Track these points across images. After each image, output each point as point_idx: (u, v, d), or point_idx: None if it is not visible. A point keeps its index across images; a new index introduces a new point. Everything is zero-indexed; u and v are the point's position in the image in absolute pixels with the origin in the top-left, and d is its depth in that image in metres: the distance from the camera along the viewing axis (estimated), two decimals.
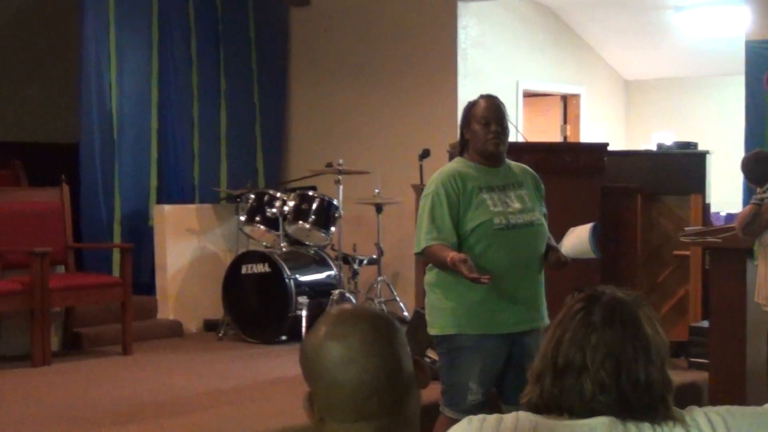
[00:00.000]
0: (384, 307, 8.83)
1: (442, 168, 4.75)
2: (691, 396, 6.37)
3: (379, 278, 8.91)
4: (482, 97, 4.76)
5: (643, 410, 2.19)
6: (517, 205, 4.63)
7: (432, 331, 4.72)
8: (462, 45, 9.89)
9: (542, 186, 4.87)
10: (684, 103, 12.13)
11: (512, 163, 4.82)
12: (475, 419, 2.27)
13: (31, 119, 11.58)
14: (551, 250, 4.73)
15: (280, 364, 7.65)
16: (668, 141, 10.25)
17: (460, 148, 4.77)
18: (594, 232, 4.66)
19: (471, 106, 4.72)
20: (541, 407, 2.24)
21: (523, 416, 2.24)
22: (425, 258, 4.71)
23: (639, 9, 11.04)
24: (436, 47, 9.94)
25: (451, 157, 4.91)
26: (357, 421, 2.05)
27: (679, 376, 6.72)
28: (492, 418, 2.26)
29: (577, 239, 4.68)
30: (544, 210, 4.81)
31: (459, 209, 4.54)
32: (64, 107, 10.79)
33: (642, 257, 7.61)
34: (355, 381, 2.03)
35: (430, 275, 4.72)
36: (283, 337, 8.47)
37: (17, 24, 11.50)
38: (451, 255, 4.38)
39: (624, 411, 2.18)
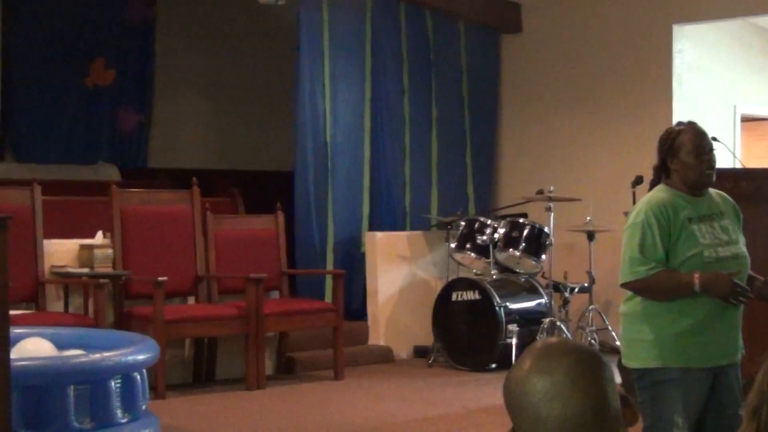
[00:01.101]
0: (596, 336, 8.71)
1: (650, 196, 4.60)
2: None
3: (590, 307, 8.80)
4: (688, 124, 4.61)
5: None
6: (723, 237, 4.47)
7: (632, 364, 4.56)
8: (677, 69, 9.69)
9: (741, 214, 4.69)
10: None
11: (712, 191, 4.66)
12: None
13: (249, 149, 11.97)
14: (754, 279, 4.55)
15: (489, 392, 7.61)
16: None
17: (656, 178, 4.63)
18: None
19: (677, 135, 4.57)
20: None
21: None
22: (638, 290, 4.54)
23: None
24: (650, 72, 9.77)
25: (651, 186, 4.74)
26: None
27: None
28: None
29: None
30: (744, 239, 4.63)
31: (670, 240, 4.41)
32: (280, 137, 11.09)
33: None
34: (560, 417, 1.99)
35: (629, 306, 4.57)
36: (493, 365, 8.44)
37: (235, 56, 11.90)
38: (698, 275, 4.27)
39: None
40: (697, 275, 4.25)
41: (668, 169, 4.54)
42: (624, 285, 4.53)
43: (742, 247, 4.52)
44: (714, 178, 4.49)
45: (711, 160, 4.45)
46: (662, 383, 4.43)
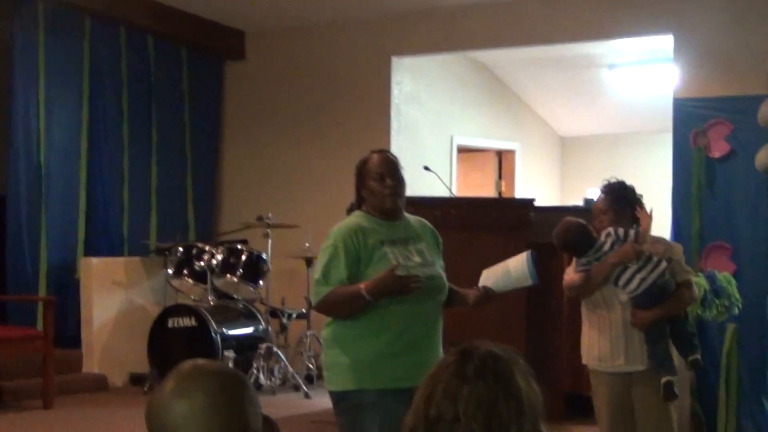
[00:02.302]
0: (313, 361, 8.76)
1: (343, 222, 4.65)
2: None
3: (308, 332, 8.87)
4: (374, 152, 4.68)
5: None
6: (417, 259, 4.57)
7: (331, 387, 4.60)
8: (395, 100, 9.91)
9: (440, 239, 4.83)
10: (618, 159, 12.19)
11: (411, 217, 4.77)
12: None
13: None
14: (457, 293, 4.68)
15: None
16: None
17: (357, 205, 4.70)
18: (532, 258, 4.62)
19: (364, 163, 4.64)
20: None
21: None
22: (324, 310, 4.60)
23: (573, 66, 11.14)
24: (370, 102, 9.95)
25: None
26: None
27: None
28: None
29: (513, 269, 4.64)
30: (442, 263, 4.76)
31: (359, 264, 4.48)
32: None
33: (568, 311, 7.59)
34: None
35: (327, 331, 4.62)
36: None
37: None
38: (364, 283, 4.36)
39: None
40: (362, 283, 4.34)
41: (363, 198, 4.63)
42: (314, 308, 4.61)
43: (438, 269, 4.63)
44: (399, 202, 4.58)
45: (394, 186, 4.54)
46: (359, 406, 4.47)
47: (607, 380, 5.49)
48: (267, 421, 2.09)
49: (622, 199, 5.46)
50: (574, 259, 5.48)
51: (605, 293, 5.40)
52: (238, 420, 2.02)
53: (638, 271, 5.26)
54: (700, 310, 7.07)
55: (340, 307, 4.48)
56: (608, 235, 5.35)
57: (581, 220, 5.51)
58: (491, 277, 4.70)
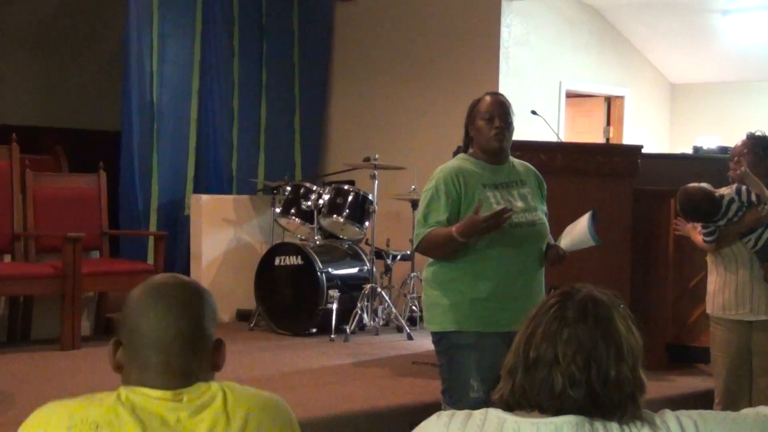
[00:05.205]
0: (416, 302, 8.81)
1: (446, 164, 4.69)
2: (708, 403, 6.30)
3: (412, 274, 8.92)
4: (487, 93, 4.72)
5: (612, 408, 2.17)
6: (519, 204, 4.58)
7: (431, 327, 4.68)
8: (505, 43, 9.85)
9: (545, 185, 4.83)
10: (729, 108, 12.02)
11: (516, 161, 4.78)
12: (445, 414, 2.27)
13: (75, 106, 11.72)
14: (550, 247, 4.70)
15: (307, 356, 7.68)
16: (712, 145, 10.19)
17: (465, 146, 4.74)
18: (592, 219, 4.63)
19: (475, 103, 4.68)
20: (512, 403, 2.23)
21: (493, 413, 2.23)
22: (422, 252, 4.66)
23: (686, 11, 10.96)
24: (479, 45, 9.91)
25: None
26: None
27: (705, 382, 6.68)
28: (461, 414, 2.26)
29: (576, 230, 4.66)
30: (545, 209, 4.77)
31: (460, 207, 4.51)
32: (107, 95, 10.90)
33: (674, 261, 7.54)
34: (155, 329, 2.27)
35: (428, 272, 4.68)
36: (313, 330, 8.48)
37: (62, 10, 11.64)
38: (456, 226, 4.40)
39: (593, 408, 2.16)
40: (454, 226, 4.38)
41: (471, 137, 4.66)
42: (414, 249, 4.67)
43: (540, 215, 4.65)
44: (505, 143, 4.60)
45: (501, 128, 4.55)
46: (458, 347, 4.53)
47: (729, 327, 5.54)
48: (219, 343, 2.37)
49: (764, 148, 5.53)
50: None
51: (732, 246, 5.46)
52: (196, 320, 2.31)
53: (764, 231, 5.33)
54: None
55: (436, 249, 4.55)
56: (731, 201, 5.38)
57: (704, 186, 5.53)
58: (564, 236, 4.72)
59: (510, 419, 2.20)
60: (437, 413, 2.29)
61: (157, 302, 2.27)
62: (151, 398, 2.24)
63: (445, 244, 4.47)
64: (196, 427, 2.25)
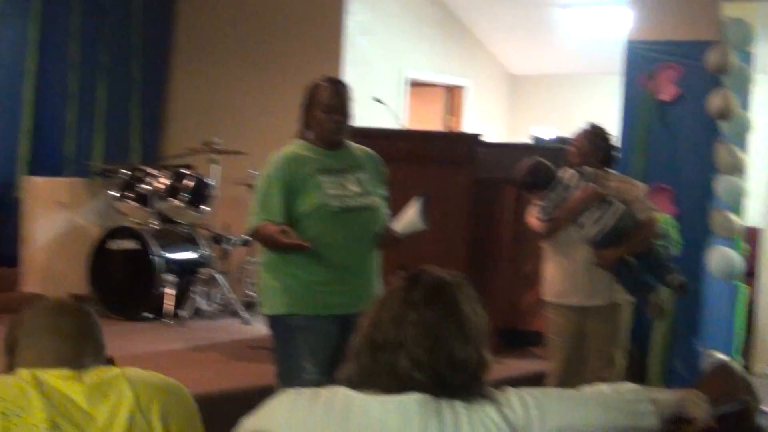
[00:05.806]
0: (254, 288, 8.74)
1: (280, 150, 4.69)
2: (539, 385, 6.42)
3: (249, 259, 8.84)
4: (327, 81, 4.68)
5: (457, 388, 2.20)
6: (354, 189, 4.60)
7: (264, 311, 4.71)
8: (349, 31, 9.84)
9: (384, 169, 4.85)
10: (566, 100, 12.24)
11: (354, 145, 4.78)
12: (291, 391, 2.28)
13: None
14: (385, 230, 4.72)
15: (140, 340, 7.55)
16: (549, 135, 10.39)
17: (301, 127, 4.71)
18: (423, 204, 4.67)
19: (314, 90, 4.64)
20: (357, 383, 2.24)
21: (341, 390, 2.23)
22: (254, 240, 4.70)
23: (527, 4, 11.12)
24: (323, 33, 9.89)
25: None
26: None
27: (536, 365, 6.81)
28: (308, 391, 2.26)
29: (408, 214, 4.70)
30: (384, 193, 4.78)
31: (292, 192, 4.51)
32: None
33: (511, 247, 7.64)
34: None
35: (263, 256, 4.70)
36: (149, 315, 8.33)
37: None
38: (273, 228, 4.42)
39: (438, 389, 2.19)
40: (278, 228, 4.43)
41: (307, 121, 4.63)
42: (249, 236, 4.68)
43: (375, 199, 4.66)
44: (342, 134, 4.62)
45: (340, 121, 4.56)
46: (290, 330, 4.54)
47: (564, 313, 5.65)
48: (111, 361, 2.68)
49: (602, 139, 5.67)
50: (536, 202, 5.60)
51: (567, 233, 5.54)
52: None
53: (598, 213, 5.39)
54: None
55: (264, 244, 4.59)
56: (573, 175, 5.46)
57: (539, 158, 5.63)
58: (396, 220, 4.75)
59: (357, 397, 2.21)
60: (282, 392, 2.28)
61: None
62: (54, 376, 2.40)
63: (270, 243, 4.53)
64: (101, 404, 2.41)
